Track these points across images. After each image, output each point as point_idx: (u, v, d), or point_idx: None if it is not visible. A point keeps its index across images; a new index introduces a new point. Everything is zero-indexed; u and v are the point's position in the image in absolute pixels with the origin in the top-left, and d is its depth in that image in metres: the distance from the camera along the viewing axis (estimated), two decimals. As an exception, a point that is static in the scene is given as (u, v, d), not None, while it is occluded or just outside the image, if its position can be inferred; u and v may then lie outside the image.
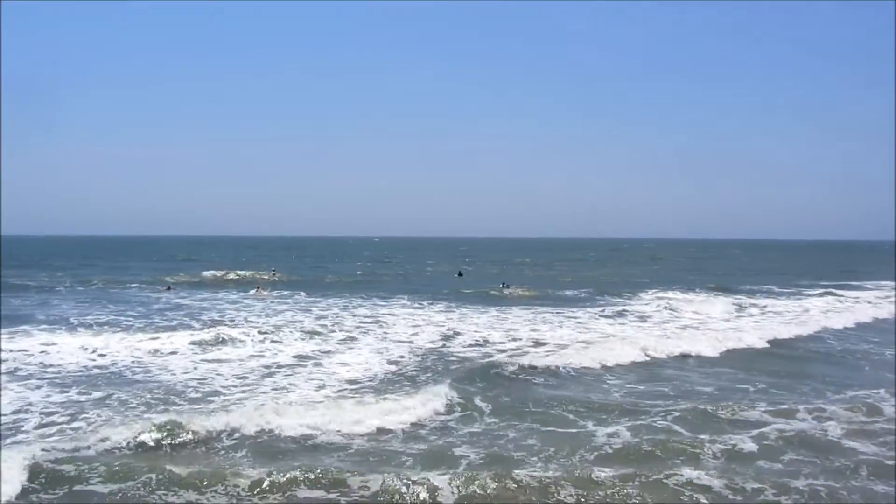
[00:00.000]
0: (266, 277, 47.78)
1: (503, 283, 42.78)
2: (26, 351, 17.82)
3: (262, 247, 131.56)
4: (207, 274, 48.62)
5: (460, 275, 55.22)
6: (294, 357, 17.82)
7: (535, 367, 16.62)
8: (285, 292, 37.32)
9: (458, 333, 22.45)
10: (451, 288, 40.40)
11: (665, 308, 30.89)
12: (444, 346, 20.13)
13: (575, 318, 26.95)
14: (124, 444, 10.34)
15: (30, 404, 12.76)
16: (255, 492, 8.77)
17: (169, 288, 39.31)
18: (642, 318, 27.34)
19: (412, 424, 11.88)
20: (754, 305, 32.27)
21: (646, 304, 32.27)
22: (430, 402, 12.79)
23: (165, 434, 10.66)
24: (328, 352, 18.66)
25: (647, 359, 18.30)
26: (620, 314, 28.48)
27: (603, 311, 29.41)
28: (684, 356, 18.93)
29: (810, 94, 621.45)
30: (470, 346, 20.23)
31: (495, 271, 59.84)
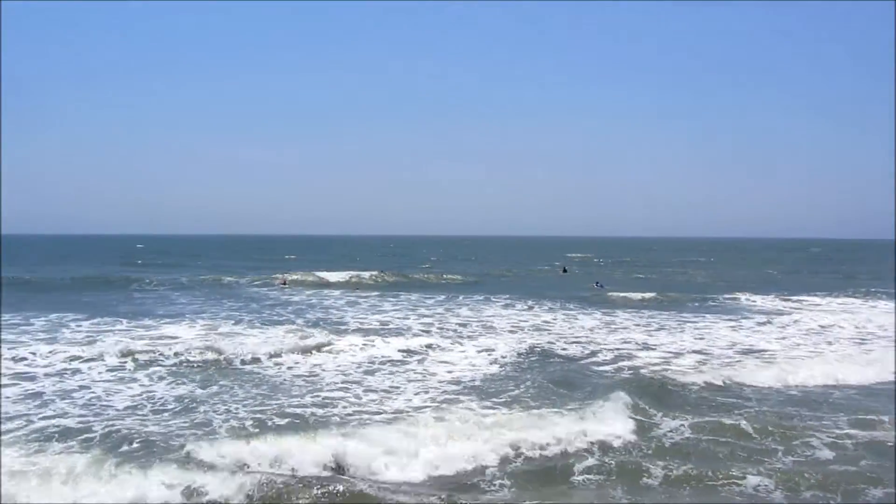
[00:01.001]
0: (378, 278, 47.70)
1: (597, 283, 42.00)
2: (147, 342, 18.75)
3: (357, 246, 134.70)
4: (318, 273, 48.63)
5: (565, 271, 55.15)
6: (401, 354, 17.73)
7: (679, 381, 14.83)
8: (389, 291, 37.77)
9: (560, 336, 21.74)
10: (555, 287, 39.51)
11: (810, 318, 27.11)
12: (550, 347, 19.39)
13: (692, 322, 25.47)
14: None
15: (152, 398, 13.34)
16: None
17: (284, 283, 40.65)
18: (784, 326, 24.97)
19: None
20: None
21: (794, 311, 29.93)
22: (612, 421, 11.60)
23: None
24: (435, 348, 18.46)
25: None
26: (743, 317, 26.58)
27: (727, 317, 27.67)
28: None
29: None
30: (575, 348, 19.43)
31: (606, 271, 58.16)
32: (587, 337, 21.41)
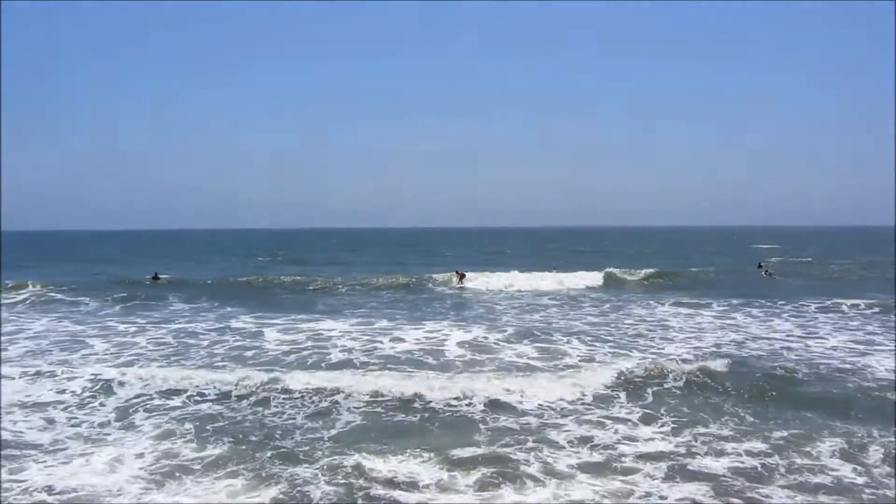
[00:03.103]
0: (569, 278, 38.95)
1: (767, 272, 41.38)
2: (306, 335, 18.98)
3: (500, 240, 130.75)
4: (489, 272, 40.91)
5: (760, 266, 51.29)
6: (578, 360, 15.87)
7: None
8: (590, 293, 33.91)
9: (750, 337, 18.93)
10: (749, 284, 35.08)
11: None
12: (738, 352, 16.60)
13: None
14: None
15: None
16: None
17: (462, 280, 38.56)
18: None
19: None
20: None
21: None
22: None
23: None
24: (607, 359, 16.05)
25: None
26: None
27: None
28: None
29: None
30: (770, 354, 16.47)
31: (811, 267, 51.18)
32: (776, 341, 18.27)
